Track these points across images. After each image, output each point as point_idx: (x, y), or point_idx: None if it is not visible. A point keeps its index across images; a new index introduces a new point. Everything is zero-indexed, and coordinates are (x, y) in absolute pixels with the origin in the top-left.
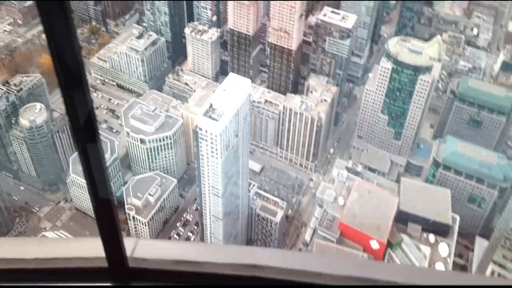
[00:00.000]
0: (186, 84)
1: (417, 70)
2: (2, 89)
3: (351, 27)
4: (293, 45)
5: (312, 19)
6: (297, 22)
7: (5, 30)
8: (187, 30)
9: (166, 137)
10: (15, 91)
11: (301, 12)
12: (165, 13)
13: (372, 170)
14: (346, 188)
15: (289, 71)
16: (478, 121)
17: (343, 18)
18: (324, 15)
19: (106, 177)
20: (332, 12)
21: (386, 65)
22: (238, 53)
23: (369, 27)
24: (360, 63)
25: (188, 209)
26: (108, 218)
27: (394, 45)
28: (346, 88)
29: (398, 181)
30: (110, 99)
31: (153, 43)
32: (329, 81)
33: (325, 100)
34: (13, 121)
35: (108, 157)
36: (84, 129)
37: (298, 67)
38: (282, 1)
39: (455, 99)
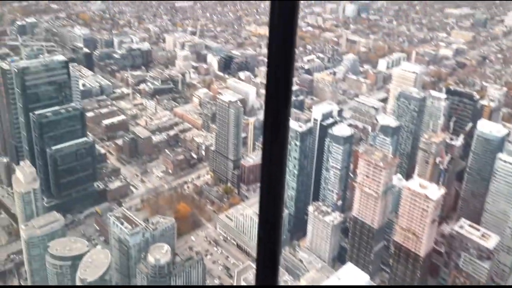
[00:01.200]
0: (301, 261)
1: None
2: (142, 224)
3: (492, 248)
4: (422, 250)
5: (446, 228)
6: (428, 226)
7: (158, 176)
8: (310, 208)
9: None
10: (151, 229)
11: (434, 217)
12: (292, 188)
13: None
14: None
15: (414, 279)
16: None
17: (483, 235)
18: (461, 227)
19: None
20: (470, 226)
21: None
22: (359, 243)
23: None
24: None
25: None
26: None
27: None
28: None
29: None
30: (228, 257)
31: None
32: None
33: None
34: (142, 256)
35: None
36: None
37: (425, 277)
38: (413, 202)
39: None
